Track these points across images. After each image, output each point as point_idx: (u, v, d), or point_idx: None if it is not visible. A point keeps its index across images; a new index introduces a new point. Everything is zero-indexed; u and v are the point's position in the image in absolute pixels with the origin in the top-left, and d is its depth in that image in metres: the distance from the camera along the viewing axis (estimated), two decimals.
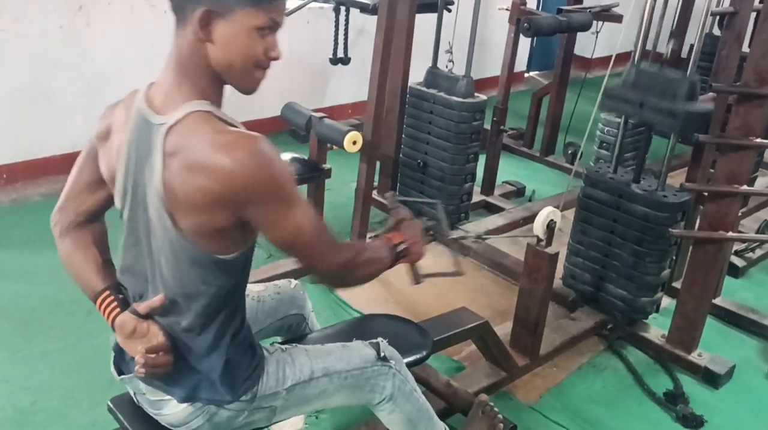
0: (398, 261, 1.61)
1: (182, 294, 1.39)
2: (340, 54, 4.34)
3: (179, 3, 1.28)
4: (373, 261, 1.54)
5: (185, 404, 1.46)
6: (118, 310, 1.45)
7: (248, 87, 1.35)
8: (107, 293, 1.47)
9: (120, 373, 1.53)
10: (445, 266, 1.95)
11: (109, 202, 1.51)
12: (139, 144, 1.34)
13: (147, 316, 1.42)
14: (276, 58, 1.33)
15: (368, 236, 3.32)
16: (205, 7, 1.24)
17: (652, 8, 2.65)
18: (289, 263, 3.06)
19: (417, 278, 1.73)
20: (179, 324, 1.42)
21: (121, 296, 1.48)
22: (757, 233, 3.51)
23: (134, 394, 1.56)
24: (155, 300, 1.41)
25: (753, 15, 2.86)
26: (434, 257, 1.74)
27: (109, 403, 1.63)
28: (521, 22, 3.61)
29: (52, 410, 2.25)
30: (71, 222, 1.51)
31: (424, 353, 1.97)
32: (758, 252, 3.47)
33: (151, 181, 1.31)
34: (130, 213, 1.41)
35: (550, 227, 2.41)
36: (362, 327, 2.07)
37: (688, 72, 2.47)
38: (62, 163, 3.70)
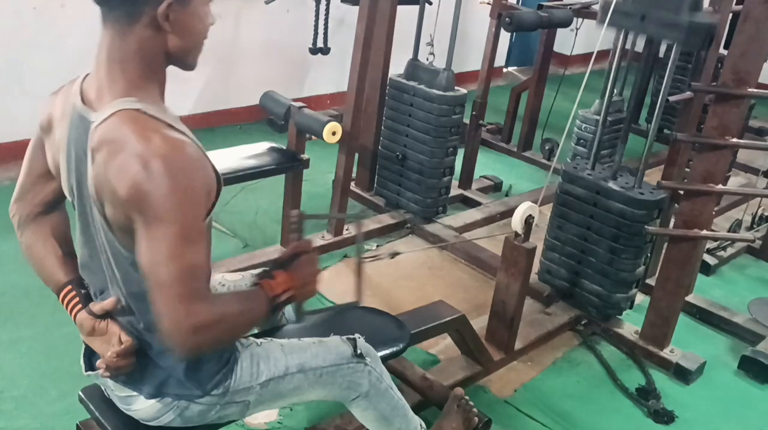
0: (276, 311, 1.48)
1: (129, 293, 1.36)
2: (320, 44, 4.30)
3: (125, 2, 1.22)
4: (238, 326, 1.33)
5: (153, 400, 1.43)
6: (79, 306, 1.42)
7: (195, 64, 1.33)
8: (69, 287, 1.44)
9: (89, 367, 1.50)
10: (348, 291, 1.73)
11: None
12: (77, 141, 1.29)
13: (104, 315, 1.38)
14: (212, 24, 1.32)
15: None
16: (169, 1, 1.21)
17: None
18: (266, 254, 3.04)
19: (300, 315, 1.57)
20: (138, 322, 1.39)
21: (83, 291, 1.44)
22: (728, 231, 3.56)
23: (104, 389, 1.54)
24: (107, 302, 1.38)
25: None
26: (340, 277, 1.61)
27: (80, 393, 1.60)
28: (503, 16, 3.61)
29: (20, 398, 2.20)
30: (29, 213, 1.47)
31: (401, 346, 1.96)
32: (729, 250, 3.53)
33: (88, 180, 1.27)
34: (79, 210, 1.36)
35: (529, 222, 2.41)
36: (339, 319, 2.05)
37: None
38: None
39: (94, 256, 1.39)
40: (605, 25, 2.47)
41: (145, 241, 1.19)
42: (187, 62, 1.31)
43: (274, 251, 3.06)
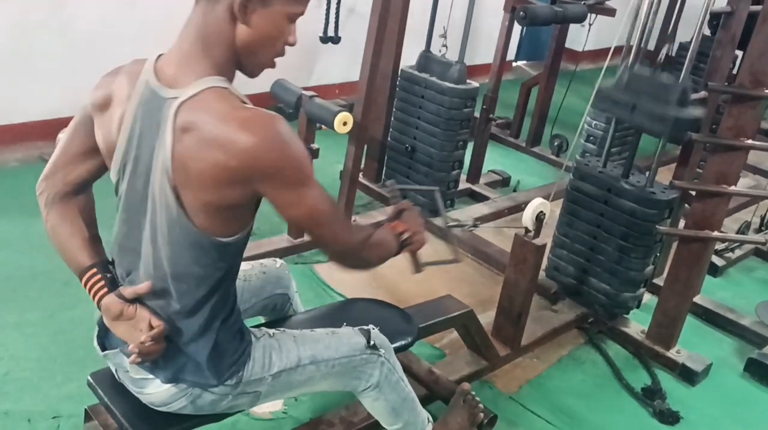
0: (403, 249, 1.62)
1: (174, 274, 1.36)
2: (331, 33, 4.27)
3: None
4: (383, 245, 1.56)
5: (169, 385, 1.43)
6: (105, 290, 1.41)
7: (258, 71, 1.35)
8: (94, 271, 1.43)
9: (103, 348, 1.49)
10: (442, 252, 1.92)
11: (98, 173, 1.47)
12: (146, 117, 1.30)
13: (135, 300, 1.38)
14: (293, 44, 1.34)
15: (354, 218, 3.29)
16: None
17: (651, 4, 2.64)
18: (274, 242, 3.03)
19: (417, 266, 1.72)
20: (170, 306, 1.39)
21: (108, 275, 1.44)
22: (737, 233, 3.54)
23: (116, 370, 1.53)
24: (141, 287, 1.38)
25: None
26: (430, 244, 1.73)
27: (89, 378, 1.59)
28: (517, 10, 3.58)
29: (26, 381, 2.20)
30: (58, 192, 1.46)
31: (410, 339, 1.96)
32: (737, 252, 3.51)
33: (157, 156, 1.27)
34: (128, 187, 1.36)
35: (540, 218, 2.40)
36: (348, 311, 2.05)
37: (681, 77, 2.47)
38: (40, 129, 3.60)
39: (131, 235, 1.39)
40: (591, 111, 2.52)
41: (286, 199, 1.30)
42: (249, 65, 1.33)
43: (281, 240, 3.05)
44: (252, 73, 1.35)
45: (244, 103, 1.28)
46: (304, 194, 1.31)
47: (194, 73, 1.26)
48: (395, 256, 1.61)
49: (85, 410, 1.68)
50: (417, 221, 1.66)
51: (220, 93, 1.25)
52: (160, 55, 1.34)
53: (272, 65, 1.36)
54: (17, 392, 2.15)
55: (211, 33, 1.27)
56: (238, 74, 1.35)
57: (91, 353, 1.54)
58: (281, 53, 1.35)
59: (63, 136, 1.46)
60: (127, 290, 1.38)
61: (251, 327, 1.60)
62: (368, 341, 1.64)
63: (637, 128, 2.67)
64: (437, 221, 2.02)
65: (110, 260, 1.48)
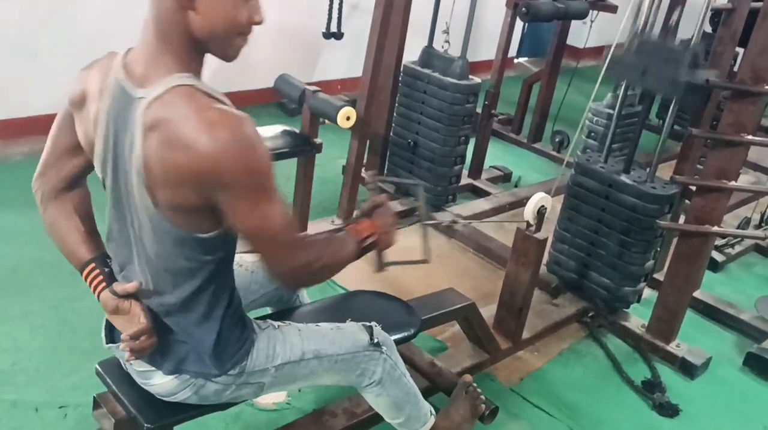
0: (365, 253, 1.54)
1: (164, 268, 1.36)
2: (334, 28, 4.28)
3: None
4: (334, 263, 1.46)
5: (172, 376, 1.45)
6: (103, 285, 1.43)
7: (230, 55, 1.30)
8: (93, 265, 1.45)
9: (110, 340, 1.52)
10: (411, 252, 1.81)
11: (89, 167, 1.46)
12: (118, 116, 1.28)
13: (127, 296, 1.39)
14: (259, 23, 1.28)
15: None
16: None
17: (652, 1, 2.66)
18: None
19: (380, 265, 1.65)
20: (165, 298, 1.40)
21: (107, 269, 1.45)
22: (737, 229, 3.56)
23: (122, 361, 1.55)
24: (130, 286, 1.39)
25: None
26: (403, 240, 1.64)
27: (97, 366, 1.62)
28: (519, 6, 3.59)
29: (33, 371, 2.22)
30: (52, 188, 1.47)
31: (412, 331, 1.98)
32: (737, 248, 3.53)
33: (130, 155, 1.26)
34: (113, 184, 1.36)
35: (541, 212, 2.42)
36: (351, 303, 2.07)
37: (692, 43, 2.47)
38: (46, 123, 3.55)
39: (124, 231, 1.39)
40: (602, 74, 2.56)
41: (238, 209, 1.25)
42: (215, 50, 1.28)
43: None
44: (224, 58, 1.29)
45: (215, 99, 1.25)
46: (256, 204, 1.25)
47: (160, 70, 1.24)
48: (353, 261, 1.52)
49: (94, 397, 1.70)
50: (388, 220, 1.58)
51: (186, 91, 1.22)
52: (129, 50, 1.31)
53: (241, 45, 1.29)
54: (24, 382, 2.18)
55: (166, 25, 1.23)
56: (240, 72, 1.34)
57: (97, 343, 1.56)
58: (246, 33, 1.28)
59: (50, 133, 1.46)
60: (119, 287, 1.39)
61: (256, 318, 1.62)
62: (371, 338, 1.65)
63: (648, 92, 2.68)
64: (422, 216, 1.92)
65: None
